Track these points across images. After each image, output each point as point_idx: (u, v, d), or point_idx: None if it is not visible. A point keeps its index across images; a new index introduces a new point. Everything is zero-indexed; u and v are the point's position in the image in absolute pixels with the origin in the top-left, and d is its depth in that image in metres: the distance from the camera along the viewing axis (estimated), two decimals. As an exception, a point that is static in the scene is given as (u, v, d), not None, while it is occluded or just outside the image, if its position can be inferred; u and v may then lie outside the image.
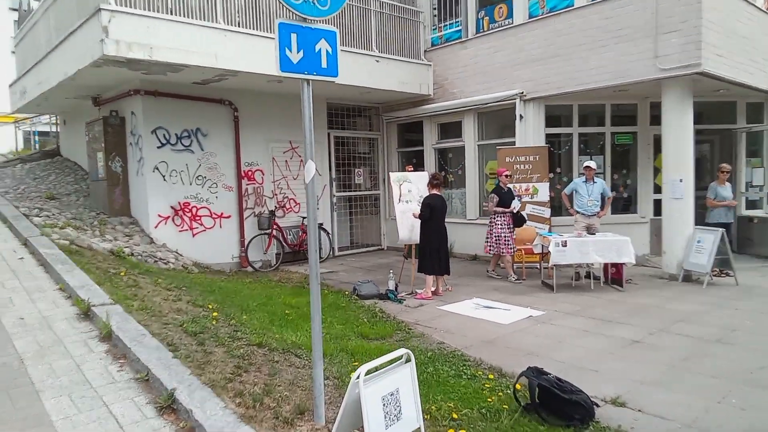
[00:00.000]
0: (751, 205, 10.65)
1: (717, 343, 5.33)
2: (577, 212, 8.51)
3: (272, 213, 10.23)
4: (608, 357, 5.02)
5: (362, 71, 10.02)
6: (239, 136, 9.97)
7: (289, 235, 10.53)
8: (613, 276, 8.01)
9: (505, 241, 8.48)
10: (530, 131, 9.73)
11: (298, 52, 3.25)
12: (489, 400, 3.87)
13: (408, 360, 3.14)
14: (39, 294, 5.39)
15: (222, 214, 9.81)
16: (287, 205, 10.79)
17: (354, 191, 12.31)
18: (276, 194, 10.62)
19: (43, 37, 9.89)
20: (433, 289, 7.65)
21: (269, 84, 9.27)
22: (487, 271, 9.01)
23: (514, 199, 8.63)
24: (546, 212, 9.44)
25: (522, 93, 9.67)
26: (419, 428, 3.12)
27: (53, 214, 8.85)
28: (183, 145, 9.33)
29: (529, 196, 9.43)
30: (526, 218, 8.98)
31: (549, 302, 7.08)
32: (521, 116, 9.73)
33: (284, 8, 3.20)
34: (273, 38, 3.20)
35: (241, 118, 9.98)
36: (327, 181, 11.55)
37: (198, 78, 8.78)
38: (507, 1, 10.13)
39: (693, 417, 3.78)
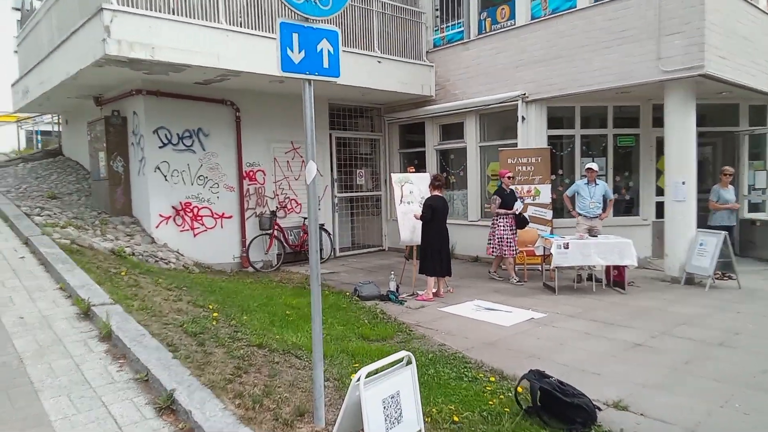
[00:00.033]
0: (754, 208, 10.62)
1: (719, 347, 5.31)
2: (579, 214, 8.49)
3: (273, 213, 10.22)
4: (610, 360, 4.99)
5: (364, 72, 10.02)
6: (241, 137, 9.96)
7: (290, 235, 10.51)
8: (615, 278, 7.98)
9: (507, 242, 8.46)
10: (532, 133, 9.71)
11: (299, 52, 3.23)
12: (490, 402, 3.85)
13: (409, 362, 3.12)
14: (39, 293, 5.38)
15: (223, 214, 9.80)
16: (288, 206, 10.78)
17: (355, 192, 12.29)
18: (277, 195, 10.61)
19: (46, 37, 9.90)
20: (434, 290, 7.63)
21: (271, 84, 9.27)
22: (489, 272, 8.99)
23: (516, 200, 8.61)
24: (548, 214, 9.41)
25: (524, 94, 9.65)
26: (420, 431, 3.10)
27: (54, 214, 8.84)
28: (185, 145, 9.33)
29: (531, 197, 9.41)
30: (529, 220, 8.95)
31: (551, 304, 7.06)
32: (523, 118, 9.72)
33: (286, 8, 3.18)
34: (275, 38, 3.18)
35: (243, 119, 9.98)
36: (328, 182, 11.54)
37: (200, 78, 8.78)
38: (509, 2, 10.12)
39: (696, 421, 3.75)
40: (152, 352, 3.89)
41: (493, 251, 8.67)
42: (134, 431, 3.10)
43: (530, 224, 9.02)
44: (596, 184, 8.43)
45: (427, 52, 11.42)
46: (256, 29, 8.52)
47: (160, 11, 7.60)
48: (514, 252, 8.55)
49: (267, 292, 7.40)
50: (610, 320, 6.29)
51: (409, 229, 8.18)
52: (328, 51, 3.36)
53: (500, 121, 10.58)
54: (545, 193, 9.41)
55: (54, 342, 4.26)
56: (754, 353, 5.11)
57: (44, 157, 13.89)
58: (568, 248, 7.53)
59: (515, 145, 9.84)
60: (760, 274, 8.84)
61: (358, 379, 2.74)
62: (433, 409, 3.62)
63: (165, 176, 9.09)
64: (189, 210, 9.36)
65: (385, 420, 2.86)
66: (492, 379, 4.38)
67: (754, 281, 8.23)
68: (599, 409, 3.81)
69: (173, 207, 9.17)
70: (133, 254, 7.71)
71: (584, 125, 10.08)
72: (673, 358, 4.97)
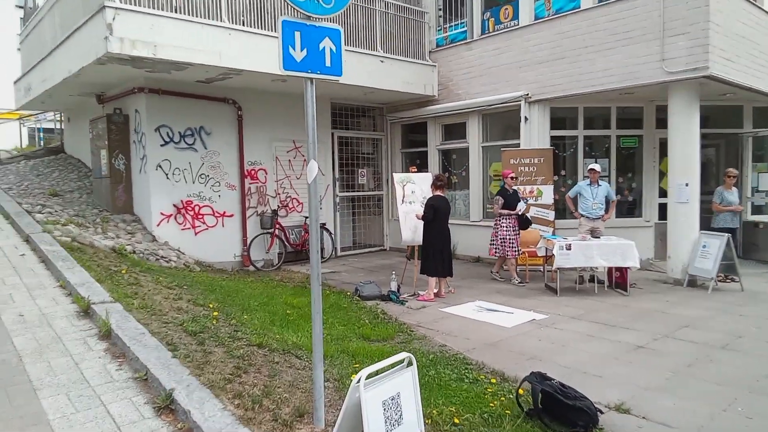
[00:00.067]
0: (757, 210, 10.58)
1: (722, 350, 5.27)
2: (582, 215, 8.45)
3: (275, 212, 10.21)
4: (612, 362, 4.96)
5: (367, 71, 9.99)
6: (243, 135, 9.95)
7: (292, 234, 10.50)
8: (617, 280, 7.94)
9: (509, 243, 8.43)
10: (535, 133, 9.68)
11: (301, 50, 3.21)
12: (491, 404, 3.82)
13: (410, 364, 3.09)
14: (39, 291, 5.37)
15: (224, 212, 9.79)
16: (290, 205, 10.76)
17: (357, 191, 12.27)
18: (279, 193, 10.60)
19: (48, 34, 9.90)
20: (435, 290, 7.60)
21: (273, 83, 9.25)
22: (491, 272, 8.96)
23: (519, 201, 8.57)
24: (550, 215, 9.38)
25: (527, 95, 9.62)
26: (420, 433, 3.08)
27: (56, 211, 8.84)
28: (186, 143, 9.32)
29: (533, 198, 9.37)
30: (531, 221, 8.92)
31: (552, 306, 7.03)
32: (526, 118, 9.69)
33: (289, 6, 3.16)
34: (277, 37, 3.16)
35: (245, 117, 9.96)
36: (330, 181, 11.52)
37: (202, 76, 8.76)
38: (513, 2, 10.09)
39: (698, 425, 3.72)
40: (151, 351, 3.87)
41: (496, 252, 8.64)
42: (132, 431, 3.08)
43: (532, 225, 8.99)
44: (599, 185, 8.39)
45: (429, 51, 11.39)
46: (258, 28, 8.51)
47: (162, 9, 7.59)
48: (517, 253, 8.52)
49: (268, 291, 7.38)
50: (612, 322, 6.26)
51: (411, 229, 8.16)
52: (331, 49, 3.34)
53: (503, 122, 10.54)
54: (547, 194, 9.38)
55: (53, 340, 4.25)
56: (757, 356, 5.07)
57: (46, 155, 13.89)
58: (570, 249, 7.50)
59: (518, 145, 9.81)
60: (763, 277, 8.79)
61: (359, 381, 2.72)
62: (434, 411, 3.59)
63: (166, 174, 9.08)
64: (190, 208, 9.35)
65: (386, 422, 2.84)
66: (493, 380, 4.35)
67: (757, 284, 8.19)
68: (601, 412, 3.77)
69: (174, 205, 9.16)
70: (134, 252, 7.70)
71: (587, 126, 10.05)
72: (675, 361, 4.94)
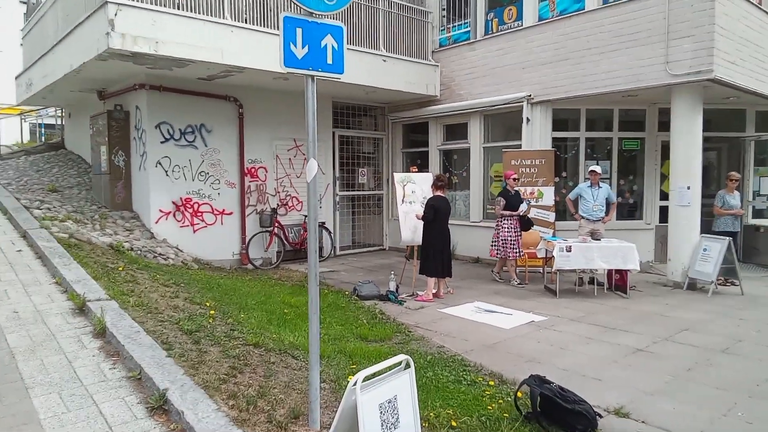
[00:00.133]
0: (758, 214, 10.54)
1: (722, 354, 5.24)
2: (582, 217, 8.43)
3: (274, 211, 10.17)
4: (612, 365, 4.93)
5: (369, 70, 9.95)
6: (243, 133, 9.91)
7: (291, 233, 10.46)
8: (617, 282, 7.91)
9: (511, 244, 8.38)
10: (537, 135, 9.64)
11: (303, 47, 3.17)
12: (489, 407, 3.78)
13: (407, 366, 3.05)
14: (35, 287, 5.34)
15: (224, 210, 9.76)
16: (289, 203, 10.73)
17: (357, 191, 12.24)
18: (279, 192, 10.56)
19: (51, 30, 9.87)
20: (434, 291, 7.56)
21: (275, 81, 9.21)
22: (492, 272, 8.93)
23: (521, 202, 8.53)
24: (550, 216, 9.34)
25: (530, 96, 9.57)
26: (416, 436, 3.04)
27: (54, 207, 8.81)
28: (186, 140, 9.28)
29: (534, 199, 9.33)
30: (533, 222, 8.88)
31: (552, 307, 6.99)
32: (528, 119, 9.64)
33: (291, 3, 3.12)
34: (279, 35, 3.12)
35: (246, 115, 9.93)
36: (330, 180, 11.48)
37: (203, 74, 8.73)
38: (517, 3, 10.04)
39: (698, 429, 3.69)
40: (146, 350, 3.83)
41: (497, 253, 8.60)
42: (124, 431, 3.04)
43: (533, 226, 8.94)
44: (599, 186, 8.38)
45: (432, 51, 11.34)
46: (260, 25, 8.47)
47: (164, 6, 7.55)
48: (518, 254, 8.47)
49: (265, 290, 7.35)
50: (612, 324, 6.23)
51: (411, 229, 8.12)
52: (332, 47, 3.30)
53: (505, 122, 10.50)
54: (548, 196, 9.34)
55: (47, 338, 4.21)
56: (757, 360, 5.04)
57: (46, 150, 13.86)
58: (570, 251, 7.46)
59: (519, 146, 9.77)
60: (763, 281, 8.76)
61: (355, 383, 2.68)
62: (431, 414, 3.55)
63: (166, 171, 9.04)
64: (189, 206, 9.32)
65: (382, 425, 2.80)
66: (491, 383, 4.31)
67: (757, 288, 8.15)
68: (600, 416, 3.74)
69: (173, 202, 9.13)
70: (132, 249, 7.67)
71: (589, 128, 10.01)
72: (675, 365, 4.90)
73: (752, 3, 8.51)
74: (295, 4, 3.13)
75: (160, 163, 8.97)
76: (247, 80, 9.20)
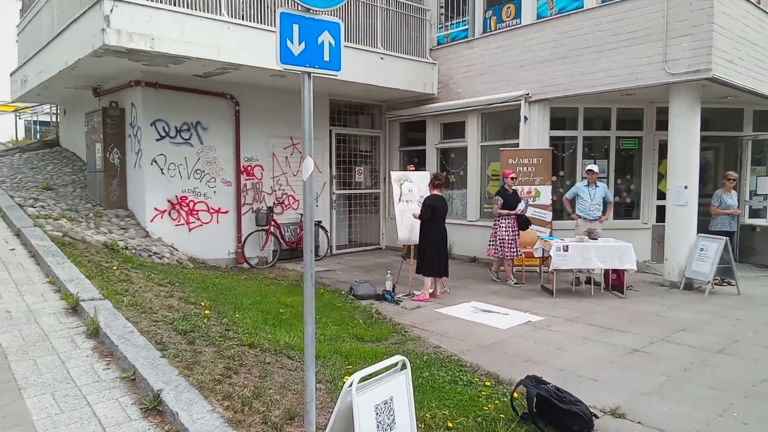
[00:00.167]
0: (755, 213, 10.55)
1: (718, 354, 5.23)
2: (579, 216, 8.42)
3: (270, 209, 10.13)
4: (608, 365, 4.92)
5: (366, 68, 9.91)
6: (239, 131, 9.86)
7: (287, 232, 10.42)
8: (614, 282, 7.90)
9: (508, 244, 8.37)
10: (534, 133, 9.62)
11: (299, 43, 3.13)
12: (485, 408, 3.77)
13: (403, 367, 3.03)
14: (28, 286, 5.29)
15: (219, 209, 9.71)
16: (286, 202, 10.69)
17: (354, 189, 12.20)
18: (275, 190, 10.52)
19: (46, 26, 9.80)
20: (431, 291, 7.54)
21: (272, 78, 9.16)
22: (490, 270, 8.93)
23: (519, 201, 8.51)
24: (548, 215, 9.33)
25: (527, 94, 9.55)
26: (412, 438, 3.02)
27: (48, 205, 8.75)
28: (182, 138, 9.23)
29: (531, 198, 9.32)
30: (531, 221, 8.87)
31: (548, 307, 6.98)
32: (526, 118, 9.62)
33: (287, -1, 3.09)
34: (276, 32, 3.09)
35: (242, 113, 9.88)
36: (327, 179, 11.44)
37: (200, 71, 8.67)
38: (515, 1, 10.01)
39: (694, 430, 3.68)
40: (140, 351, 3.80)
41: (495, 253, 8.57)
42: (118, 432, 3.01)
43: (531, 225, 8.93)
44: (596, 186, 8.37)
45: (430, 49, 11.31)
46: (257, 22, 8.42)
47: (161, 2, 7.49)
48: (515, 253, 8.45)
49: (261, 290, 7.31)
50: (609, 325, 6.22)
51: (407, 228, 8.09)
52: (330, 43, 3.26)
53: (502, 121, 10.48)
54: (545, 195, 9.33)
55: (40, 338, 4.17)
56: (753, 361, 5.04)
57: (41, 148, 13.79)
58: (567, 251, 7.45)
59: (517, 145, 9.75)
60: (760, 281, 8.78)
61: (351, 384, 2.65)
62: (427, 414, 3.53)
63: (161, 169, 8.99)
64: (185, 204, 9.27)
65: (377, 427, 2.77)
66: (487, 383, 4.29)
67: (754, 287, 8.16)
68: (596, 417, 3.72)
69: (169, 201, 9.08)
70: (126, 248, 7.62)
71: (587, 127, 9.99)
72: (671, 365, 4.90)
73: (751, 2, 8.50)
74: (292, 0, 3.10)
75: (155, 161, 8.92)
76: (243, 77, 9.15)
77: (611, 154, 10.01)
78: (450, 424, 3.45)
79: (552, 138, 9.80)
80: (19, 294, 5.09)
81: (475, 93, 10.43)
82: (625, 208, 10.23)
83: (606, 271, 7.91)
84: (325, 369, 4.17)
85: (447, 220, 7.74)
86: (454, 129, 11.33)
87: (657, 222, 9.85)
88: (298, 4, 3.11)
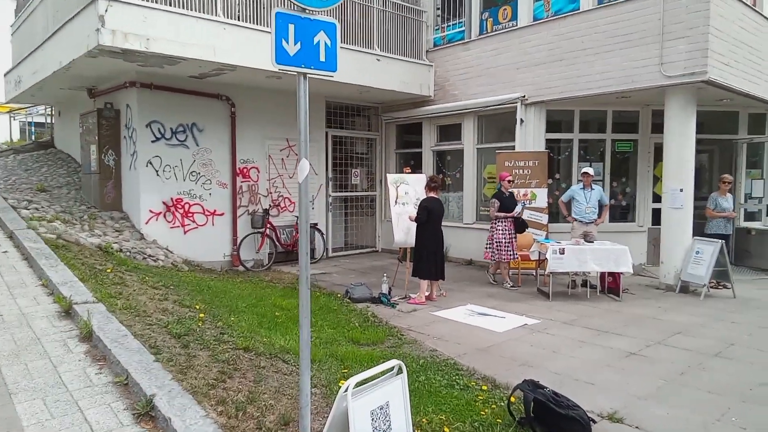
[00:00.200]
0: (750, 217, 10.57)
1: (715, 357, 5.23)
2: (575, 219, 8.42)
3: (266, 212, 10.09)
4: (605, 369, 4.90)
5: (362, 69, 9.89)
6: (235, 133, 9.82)
7: (283, 234, 10.38)
8: (610, 285, 7.90)
9: (505, 247, 8.35)
10: (530, 136, 9.62)
11: (295, 44, 3.10)
12: (482, 413, 3.74)
13: (400, 371, 3.00)
14: (20, 289, 5.23)
15: (215, 211, 9.66)
16: (282, 204, 10.64)
17: (350, 192, 12.17)
18: (271, 193, 10.48)
19: (40, 26, 9.73)
20: (427, 294, 7.51)
21: (268, 80, 9.13)
22: (488, 272, 8.92)
23: (516, 204, 8.49)
24: (543, 218, 9.32)
25: (524, 97, 9.55)
26: (409, 443, 2.99)
27: (42, 207, 8.68)
28: (178, 139, 9.18)
29: (528, 201, 9.31)
30: (528, 224, 8.86)
31: (544, 310, 6.97)
32: (522, 120, 9.62)
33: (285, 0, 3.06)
34: (271, 31, 3.06)
35: (238, 114, 9.83)
36: (323, 181, 11.41)
37: (195, 72, 8.63)
38: (512, 3, 10.02)
39: (692, 435, 3.67)
40: (133, 355, 3.75)
41: (492, 256, 8.55)
42: (110, 438, 2.97)
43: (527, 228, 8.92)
44: (592, 189, 8.38)
45: (426, 51, 11.30)
46: (253, 23, 8.39)
47: (156, 2, 7.45)
48: (512, 256, 8.43)
49: (256, 293, 7.27)
50: (605, 328, 6.21)
51: (404, 230, 8.07)
52: (325, 44, 3.23)
53: (498, 124, 10.48)
54: (541, 197, 9.32)
55: (32, 341, 4.12)
56: (750, 364, 5.03)
57: (35, 149, 13.69)
58: (563, 254, 7.44)
59: (513, 147, 9.75)
60: (755, 284, 8.79)
61: (346, 390, 2.62)
62: (423, 419, 3.51)
63: (157, 171, 8.93)
64: (180, 206, 9.21)
65: (373, 432, 2.74)
66: (484, 387, 4.27)
67: (749, 290, 8.17)
68: (594, 422, 3.70)
69: (164, 203, 9.02)
70: (121, 251, 7.55)
71: (583, 129, 10.00)
72: (668, 368, 4.89)
73: (747, 5, 8.53)
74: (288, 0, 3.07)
75: (150, 163, 8.87)
76: (239, 79, 9.11)
77: (607, 157, 10.02)
78: (447, 430, 3.43)
79: (548, 140, 9.80)
80: (12, 297, 5.03)
81: (471, 95, 10.43)
82: (621, 211, 10.24)
83: (602, 274, 7.90)
84: (321, 373, 4.13)
85: (443, 223, 7.72)
86: (450, 131, 11.32)
87: (652, 225, 9.86)
88: (293, 4, 3.09)
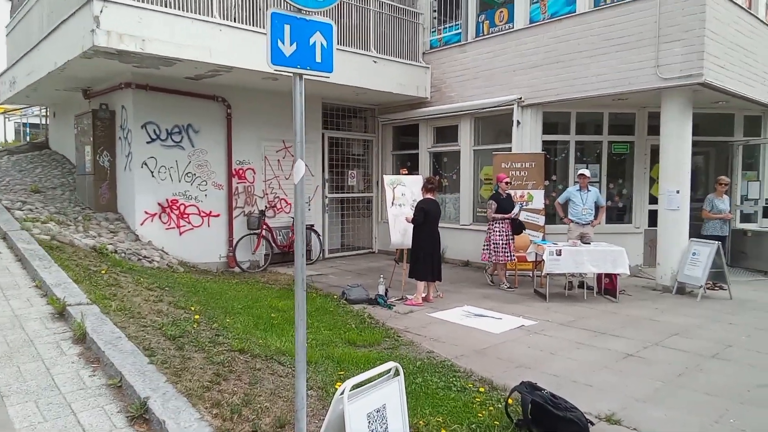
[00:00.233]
0: (746, 218, 10.60)
1: (712, 359, 5.22)
2: (571, 221, 8.42)
3: (262, 213, 10.05)
4: (602, 371, 4.89)
5: (359, 71, 9.88)
6: (231, 134, 9.78)
7: (279, 235, 10.34)
8: (607, 286, 7.90)
9: (502, 248, 8.33)
10: (527, 138, 9.63)
11: (291, 44, 3.08)
12: (479, 415, 3.72)
13: (396, 374, 2.97)
14: (13, 291, 5.18)
15: (211, 212, 9.62)
16: (278, 205, 10.61)
17: (347, 193, 12.15)
18: (267, 194, 10.44)
19: (35, 26, 9.68)
20: (423, 295, 7.49)
21: (264, 81, 9.10)
22: (486, 271, 8.89)
23: (513, 205, 8.49)
24: (540, 220, 9.31)
25: (520, 99, 9.56)
26: (405, 446, 2.96)
27: (36, 208, 8.62)
28: (173, 141, 9.14)
29: (524, 203, 9.30)
30: (525, 225, 8.86)
31: (541, 312, 6.96)
32: (518, 122, 9.63)
33: (281, 1, 3.04)
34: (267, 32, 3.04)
35: (234, 115, 9.80)
36: (320, 182, 11.38)
37: (191, 73, 8.60)
38: (508, 5, 10.03)
39: (690, 437, 3.65)
40: (127, 357, 3.71)
41: (489, 257, 8.54)
42: (103, 442, 2.93)
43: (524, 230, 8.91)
44: (588, 190, 8.39)
45: (423, 53, 11.30)
46: (249, 24, 8.36)
47: (151, 3, 7.41)
48: (509, 258, 8.41)
49: (252, 294, 7.23)
50: (602, 329, 6.20)
51: (400, 231, 8.05)
52: (321, 44, 3.21)
53: (495, 125, 10.48)
54: (538, 199, 9.32)
55: (25, 343, 4.07)
56: (747, 366, 5.03)
57: (30, 150, 13.61)
58: (560, 255, 7.44)
59: (509, 149, 9.75)
60: (751, 285, 8.80)
61: (342, 392, 2.60)
62: (420, 422, 3.48)
63: (152, 172, 8.89)
64: (175, 207, 9.17)
65: (369, 435, 2.72)
66: (481, 389, 4.25)
67: (745, 292, 8.19)
68: (592, 424, 3.69)
69: (159, 204, 8.98)
70: (116, 252, 7.50)
71: (579, 131, 10.02)
72: (665, 370, 4.88)
73: (743, 8, 8.57)
74: (284, 0, 3.05)
75: (145, 164, 8.82)
76: (235, 80, 9.08)
77: (603, 159, 10.03)
78: (444, 432, 3.40)
79: (544, 142, 9.81)
80: (5, 299, 4.98)
81: (467, 97, 10.43)
82: (617, 213, 10.26)
83: (599, 276, 7.90)
84: (317, 375, 4.10)
85: (440, 224, 7.71)
86: (446, 133, 11.31)
87: (649, 226, 9.88)
88: (289, 4, 3.07)
